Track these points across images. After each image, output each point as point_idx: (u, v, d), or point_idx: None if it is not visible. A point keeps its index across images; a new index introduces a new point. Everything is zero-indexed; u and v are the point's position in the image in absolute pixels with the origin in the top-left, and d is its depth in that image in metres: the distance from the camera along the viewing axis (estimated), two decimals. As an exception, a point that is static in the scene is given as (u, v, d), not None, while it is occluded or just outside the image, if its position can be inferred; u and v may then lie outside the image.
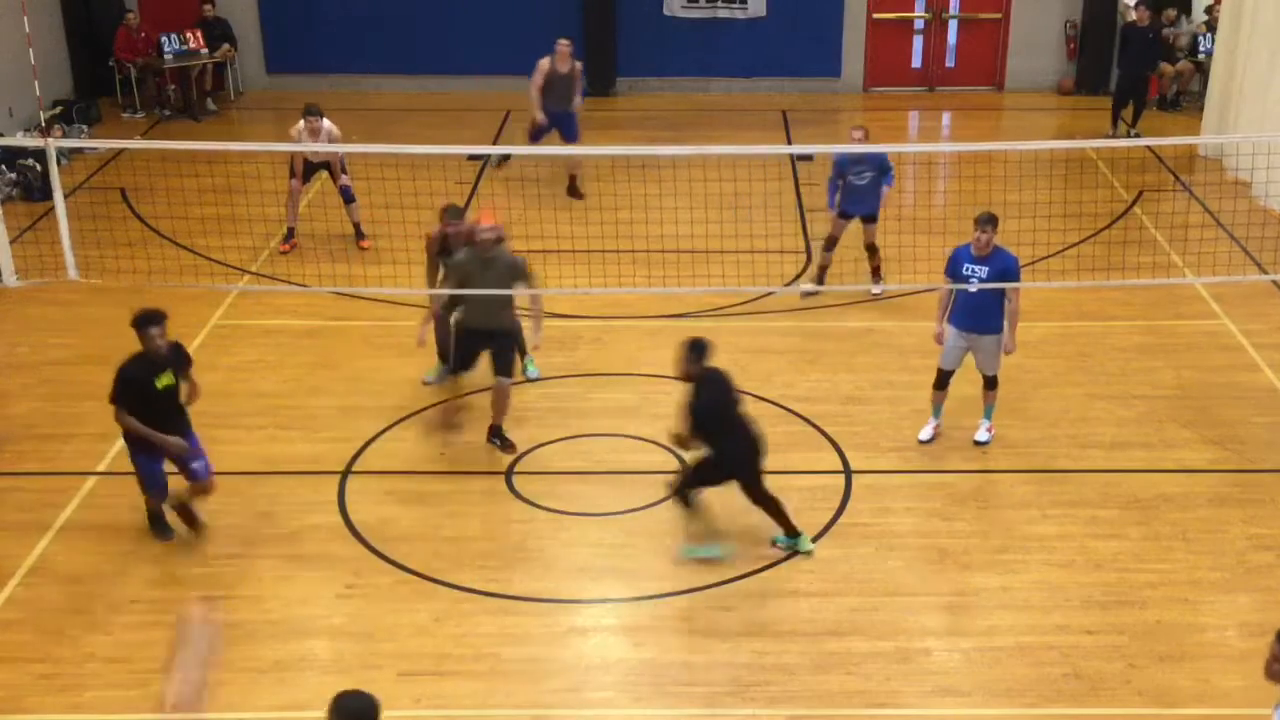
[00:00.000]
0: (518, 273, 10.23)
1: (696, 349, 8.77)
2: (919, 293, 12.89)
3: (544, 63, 15.29)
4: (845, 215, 12.82)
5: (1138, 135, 17.34)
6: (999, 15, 20.56)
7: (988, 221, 9.90)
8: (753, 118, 19.19)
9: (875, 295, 12.89)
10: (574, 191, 15.34)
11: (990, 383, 10.31)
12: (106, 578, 8.83)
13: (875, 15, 20.49)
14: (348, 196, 14.19)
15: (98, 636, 8.25)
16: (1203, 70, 18.95)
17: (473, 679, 7.95)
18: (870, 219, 12.78)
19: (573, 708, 7.80)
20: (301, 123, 13.87)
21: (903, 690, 7.88)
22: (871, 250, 12.95)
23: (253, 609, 8.53)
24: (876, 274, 12.98)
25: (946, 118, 20.13)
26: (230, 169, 15.18)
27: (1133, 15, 17.88)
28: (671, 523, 9.43)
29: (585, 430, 10.71)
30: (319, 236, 13.89)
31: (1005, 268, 9.95)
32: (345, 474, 10.08)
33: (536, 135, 15.53)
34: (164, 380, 8.72)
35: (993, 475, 10.06)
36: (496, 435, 10.41)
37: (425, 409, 10.66)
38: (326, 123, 13.83)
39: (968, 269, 9.95)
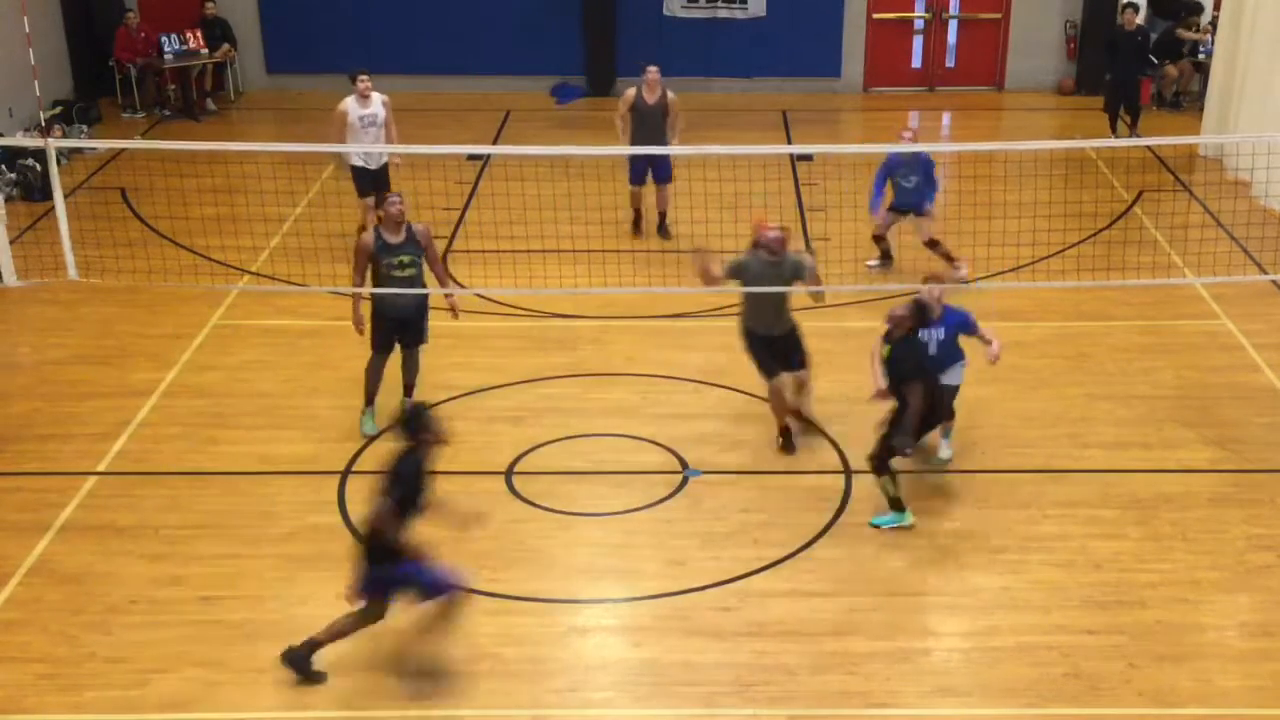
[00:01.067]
0: (803, 271, 10.16)
1: (923, 312, 9.26)
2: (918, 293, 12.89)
3: (629, 93, 14.10)
4: (895, 210, 13.13)
5: (1138, 135, 17.33)
6: (999, 15, 20.56)
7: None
8: (753, 118, 19.19)
9: (963, 279, 12.84)
10: (664, 230, 14.40)
11: (949, 414, 10.16)
12: (106, 578, 8.83)
13: (875, 15, 20.50)
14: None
15: (98, 636, 8.25)
16: (1203, 70, 18.95)
17: (473, 679, 7.95)
18: (919, 213, 13.07)
19: (573, 708, 7.80)
20: (349, 101, 13.49)
21: (903, 690, 7.88)
22: (933, 245, 13.12)
23: (253, 609, 8.53)
24: (950, 259, 13.06)
25: (946, 118, 20.12)
26: (230, 169, 15.18)
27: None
28: (671, 523, 9.45)
29: (585, 430, 10.71)
30: (319, 236, 13.88)
31: (961, 322, 9.86)
32: (345, 474, 10.08)
33: (637, 175, 14.26)
34: None
35: (993, 475, 10.06)
36: (800, 420, 10.47)
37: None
38: (378, 94, 13.58)
39: (924, 334, 9.70)
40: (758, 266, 10.05)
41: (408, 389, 10.65)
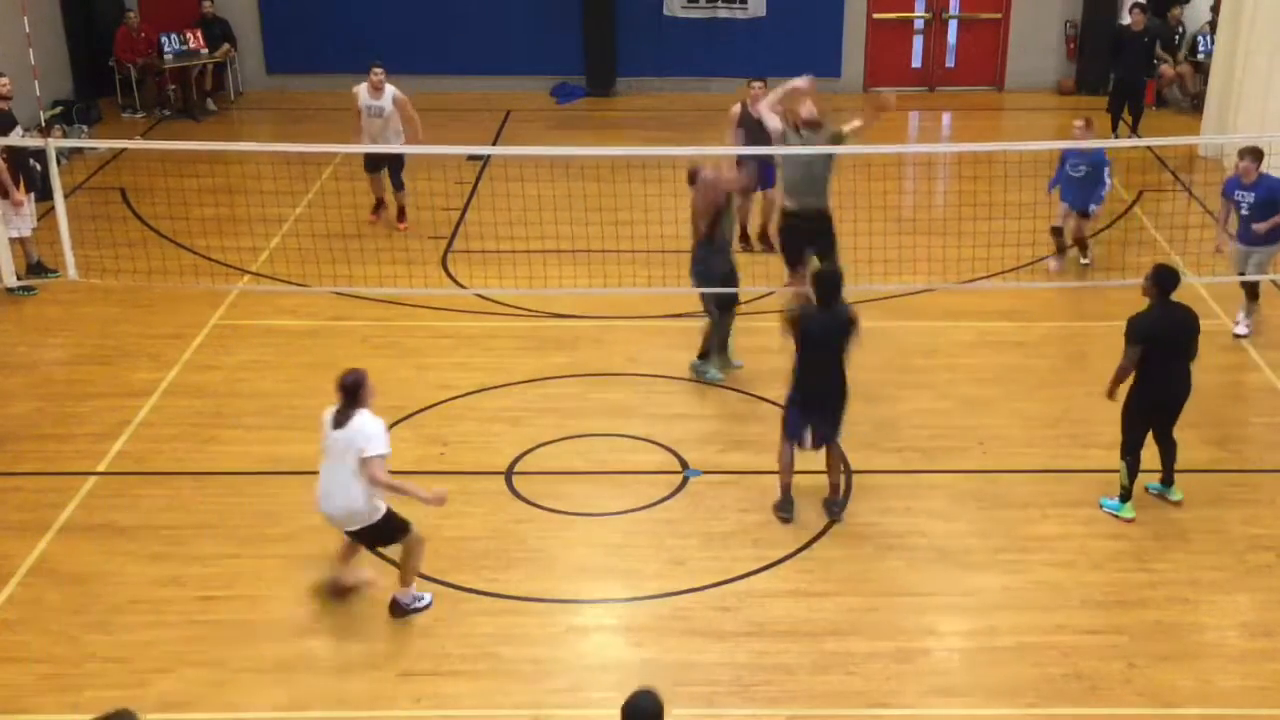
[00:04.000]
0: (841, 138, 11.59)
1: (1167, 280, 9.33)
2: (919, 293, 12.91)
3: (734, 110, 13.82)
4: (1066, 202, 13.45)
5: (1138, 136, 17.33)
6: (999, 15, 20.56)
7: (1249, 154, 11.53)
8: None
9: (1085, 265, 13.66)
10: (766, 241, 13.94)
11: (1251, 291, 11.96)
12: (106, 578, 8.83)
13: (875, 15, 20.49)
14: (397, 184, 14.61)
15: (98, 636, 8.25)
16: (1202, 70, 18.94)
17: (473, 679, 7.95)
18: (1083, 214, 13.32)
19: (573, 708, 7.80)
20: (360, 88, 14.07)
21: (903, 690, 7.88)
22: (1081, 245, 13.63)
23: (253, 609, 8.53)
24: (1083, 247, 13.66)
25: (946, 118, 20.12)
26: (230, 169, 15.20)
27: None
28: (671, 523, 9.44)
29: (585, 430, 10.71)
30: (319, 236, 13.88)
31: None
32: (345, 474, 10.07)
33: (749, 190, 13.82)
34: None
35: (993, 475, 10.06)
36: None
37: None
38: (391, 89, 14.05)
39: (1238, 195, 11.65)
40: (797, 141, 11.50)
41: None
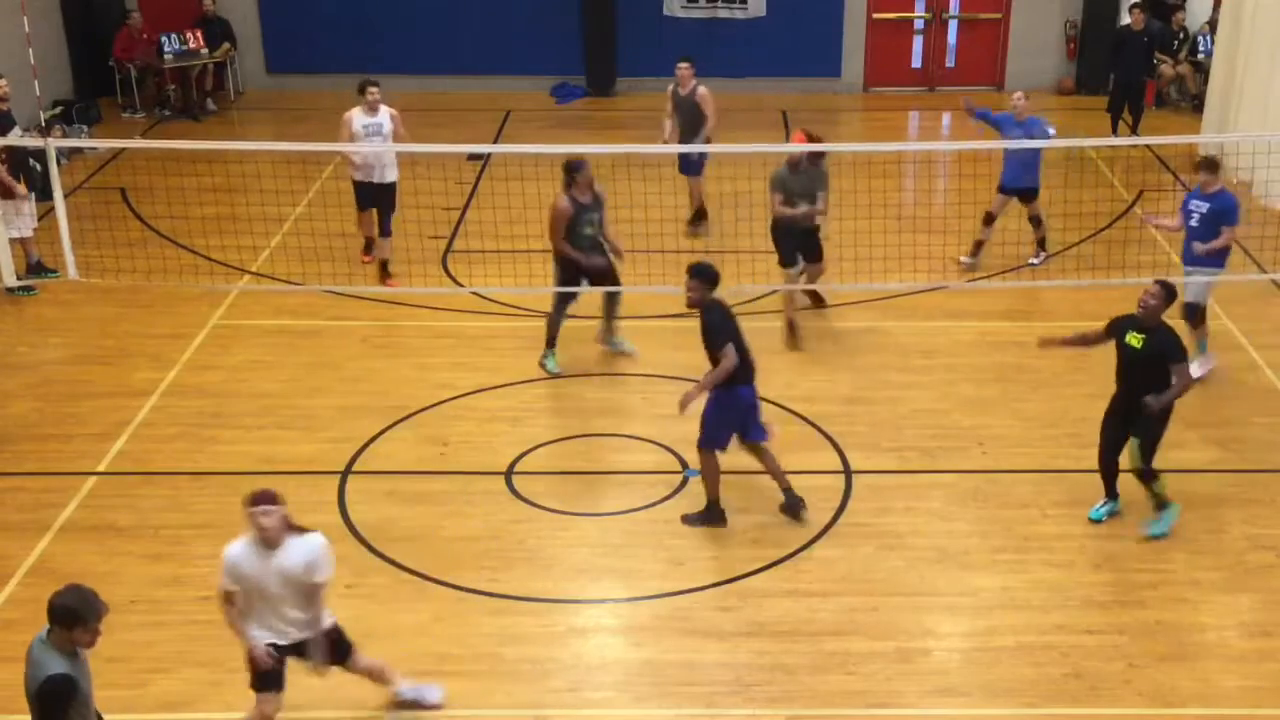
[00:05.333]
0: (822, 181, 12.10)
1: (1170, 294, 8.91)
2: (918, 293, 12.91)
3: (669, 90, 14.36)
4: (1003, 191, 13.35)
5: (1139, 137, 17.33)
6: (999, 15, 20.56)
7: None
8: (753, 118, 19.17)
9: (1033, 265, 13.53)
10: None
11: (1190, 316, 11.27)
12: (106, 578, 8.81)
13: (875, 15, 20.50)
14: (385, 229, 13.43)
15: (98, 636, 8.23)
16: (1202, 70, 18.93)
17: (473, 679, 7.95)
18: (1029, 194, 13.30)
19: (573, 708, 7.80)
20: (354, 111, 13.11)
21: (903, 690, 7.88)
22: (1038, 235, 13.55)
23: (253, 609, 8.51)
24: (1040, 241, 13.57)
25: (946, 118, 20.11)
26: (230, 169, 15.19)
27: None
28: (671, 523, 9.44)
29: (585, 430, 10.72)
30: (319, 236, 13.88)
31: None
32: (345, 474, 10.08)
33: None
34: None
35: (993, 475, 10.06)
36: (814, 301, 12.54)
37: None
38: (386, 107, 13.16)
39: (1193, 205, 11.14)
40: (795, 182, 12.02)
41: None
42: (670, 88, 14.39)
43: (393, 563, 9.03)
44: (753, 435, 9.31)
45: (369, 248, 13.80)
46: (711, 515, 9.39)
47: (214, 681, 7.89)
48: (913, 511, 9.59)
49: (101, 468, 10.21)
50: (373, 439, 10.53)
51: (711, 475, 9.34)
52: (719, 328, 9.04)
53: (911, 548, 9.19)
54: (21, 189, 12.91)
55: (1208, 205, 11.06)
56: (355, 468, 10.17)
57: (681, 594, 8.73)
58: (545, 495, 9.80)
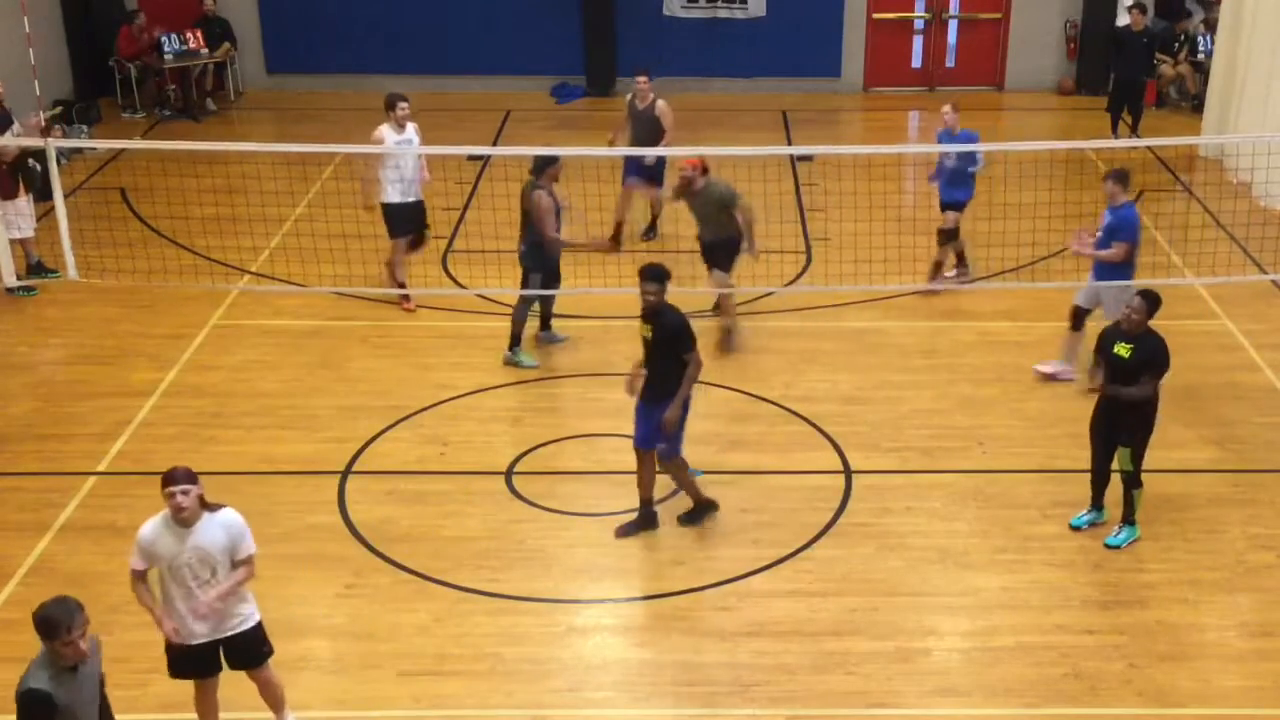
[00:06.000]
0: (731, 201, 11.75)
1: (1153, 304, 8.83)
2: (918, 293, 12.91)
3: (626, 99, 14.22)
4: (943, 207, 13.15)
5: (1138, 136, 17.32)
6: (999, 15, 20.55)
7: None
8: (753, 118, 19.18)
9: (951, 276, 13.26)
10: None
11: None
12: (106, 578, 8.81)
13: (875, 15, 20.49)
14: (419, 247, 13.02)
15: (98, 636, 8.22)
16: (1202, 70, 18.93)
17: (473, 679, 7.96)
18: (954, 207, 13.01)
19: (573, 708, 7.80)
20: (384, 128, 12.46)
21: (903, 690, 7.88)
22: (956, 252, 13.24)
23: (252, 609, 8.51)
24: (960, 255, 13.28)
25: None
26: (230, 169, 15.20)
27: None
28: (671, 523, 9.43)
29: (585, 430, 10.71)
30: (319, 236, 13.86)
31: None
32: (345, 474, 10.08)
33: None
34: None
35: (993, 475, 10.06)
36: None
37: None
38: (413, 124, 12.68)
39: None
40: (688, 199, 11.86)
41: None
42: (628, 98, 14.28)
43: (393, 563, 9.03)
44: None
45: (406, 297, 12.79)
46: (703, 510, 9.38)
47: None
48: (913, 511, 9.59)
49: (101, 468, 10.21)
50: (373, 439, 10.53)
51: (687, 478, 9.29)
52: (686, 329, 8.90)
53: (911, 548, 9.19)
54: (21, 192, 12.91)
55: (1111, 217, 10.95)
56: (355, 468, 10.17)
57: (681, 594, 8.73)
58: (545, 495, 9.80)
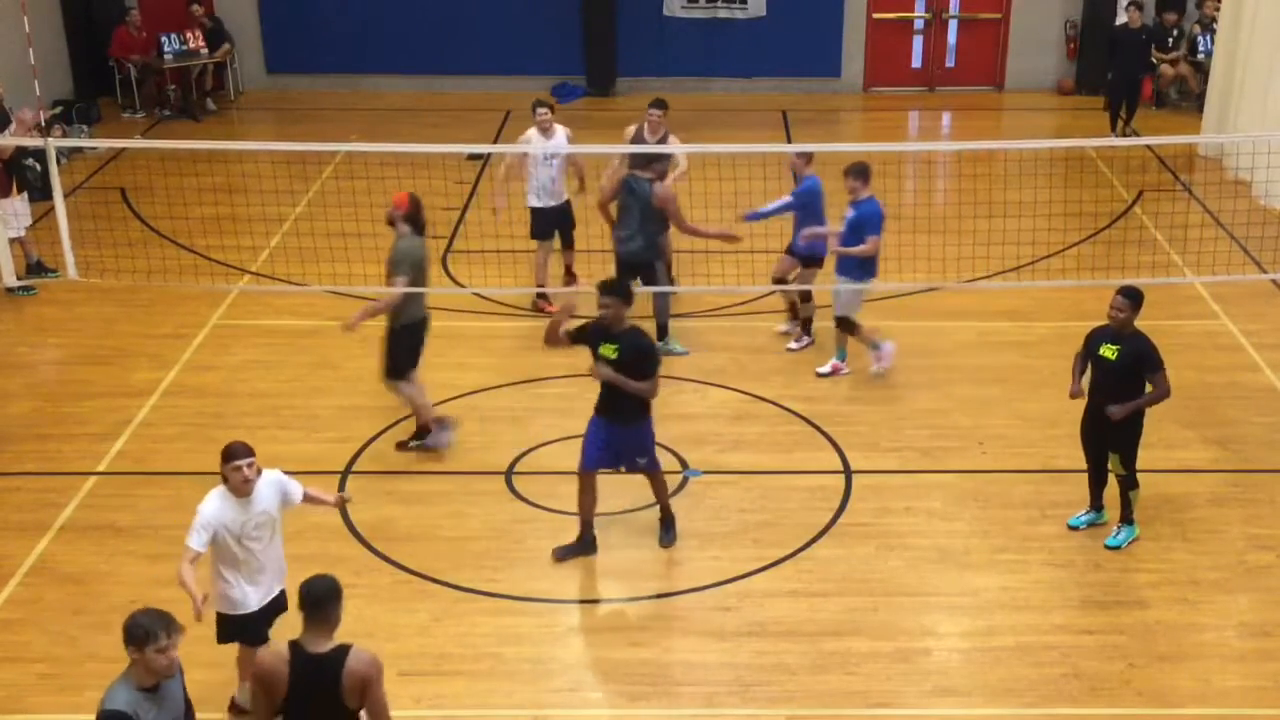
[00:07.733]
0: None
1: (1136, 300, 8.70)
2: (918, 293, 12.91)
3: (629, 130, 13.19)
4: (790, 253, 12.03)
5: (1135, 134, 17.32)
6: (999, 15, 20.55)
7: None
8: (753, 118, 19.18)
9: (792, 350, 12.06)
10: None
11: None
12: (106, 578, 8.83)
13: (875, 15, 20.49)
14: (569, 243, 13.08)
15: (98, 636, 8.23)
16: (1202, 70, 18.93)
17: (473, 679, 7.96)
18: (806, 261, 11.81)
19: (573, 708, 7.80)
20: (533, 132, 12.41)
21: (903, 690, 7.88)
22: (795, 313, 12.25)
23: (253, 609, 8.51)
24: (805, 321, 12.10)
25: (946, 118, 20.12)
26: (230, 168, 15.20)
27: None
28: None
29: (585, 430, 10.69)
30: (319, 236, 13.86)
31: None
32: (345, 474, 10.09)
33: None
34: None
35: (992, 475, 10.06)
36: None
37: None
38: (563, 129, 12.56)
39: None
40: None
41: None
42: (630, 129, 13.21)
43: (393, 563, 9.03)
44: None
45: (540, 284, 12.73)
46: (672, 523, 9.27)
47: (214, 681, 7.89)
48: (913, 511, 9.59)
49: (101, 468, 10.21)
50: (373, 439, 10.53)
51: (665, 487, 9.27)
52: (653, 352, 8.79)
53: (911, 548, 9.19)
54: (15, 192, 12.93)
55: (854, 213, 10.92)
56: (355, 468, 10.18)
57: (681, 594, 8.73)
58: (545, 495, 9.80)
